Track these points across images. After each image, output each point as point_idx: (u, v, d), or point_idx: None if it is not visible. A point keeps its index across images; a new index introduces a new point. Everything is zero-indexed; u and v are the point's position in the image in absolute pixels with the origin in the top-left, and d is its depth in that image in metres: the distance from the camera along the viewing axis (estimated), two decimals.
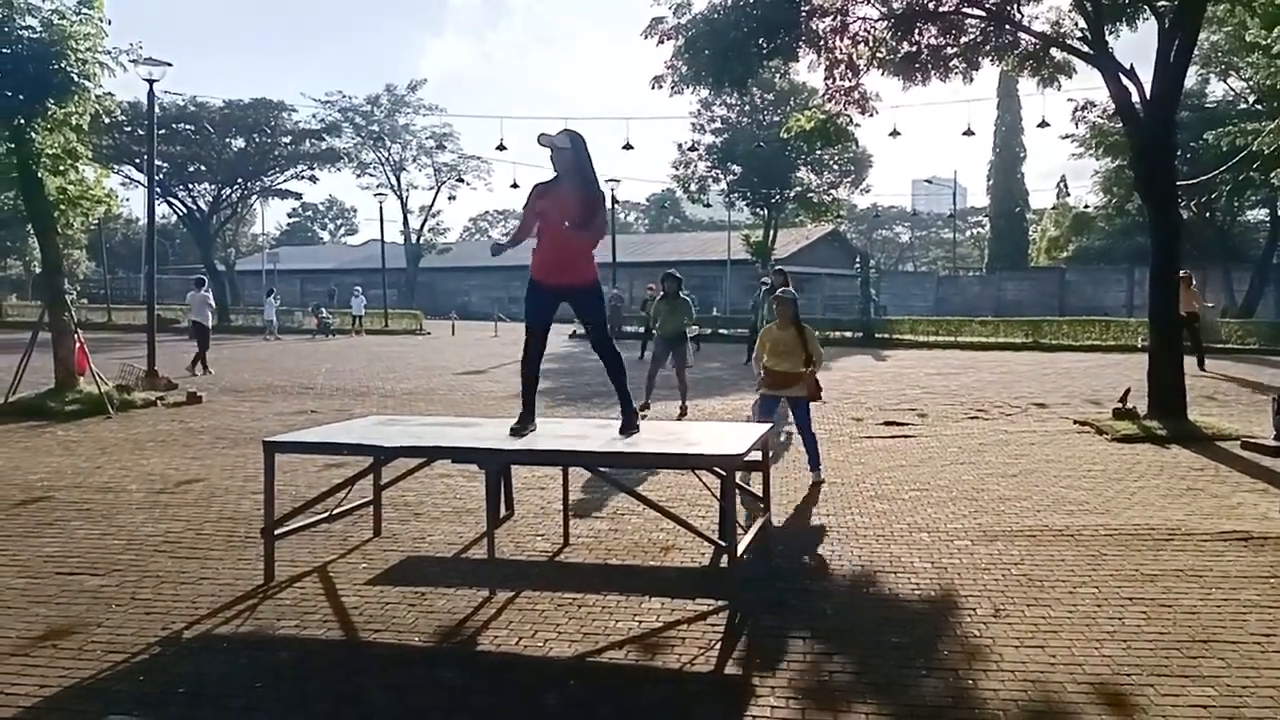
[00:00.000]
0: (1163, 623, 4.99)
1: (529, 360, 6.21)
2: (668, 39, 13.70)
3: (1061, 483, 8.52)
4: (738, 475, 5.66)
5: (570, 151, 5.90)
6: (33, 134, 13.38)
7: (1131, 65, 12.20)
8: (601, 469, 6.07)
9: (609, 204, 5.87)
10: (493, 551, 6.09)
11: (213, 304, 21.06)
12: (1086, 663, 4.48)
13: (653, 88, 14.33)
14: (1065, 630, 4.89)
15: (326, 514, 6.53)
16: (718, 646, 4.75)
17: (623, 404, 6.24)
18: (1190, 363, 17.85)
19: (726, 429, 7.01)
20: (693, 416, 12.85)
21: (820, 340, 8.86)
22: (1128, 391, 12.25)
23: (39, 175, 13.57)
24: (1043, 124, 34.33)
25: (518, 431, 5.96)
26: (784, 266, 18.61)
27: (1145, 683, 4.25)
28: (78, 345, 13.93)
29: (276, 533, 5.92)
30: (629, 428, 6.02)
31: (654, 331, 13.80)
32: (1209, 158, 28.42)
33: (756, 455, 6.12)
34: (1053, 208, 67.42)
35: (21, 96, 13.14)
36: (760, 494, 6.53)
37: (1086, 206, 53.99)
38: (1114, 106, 13.04)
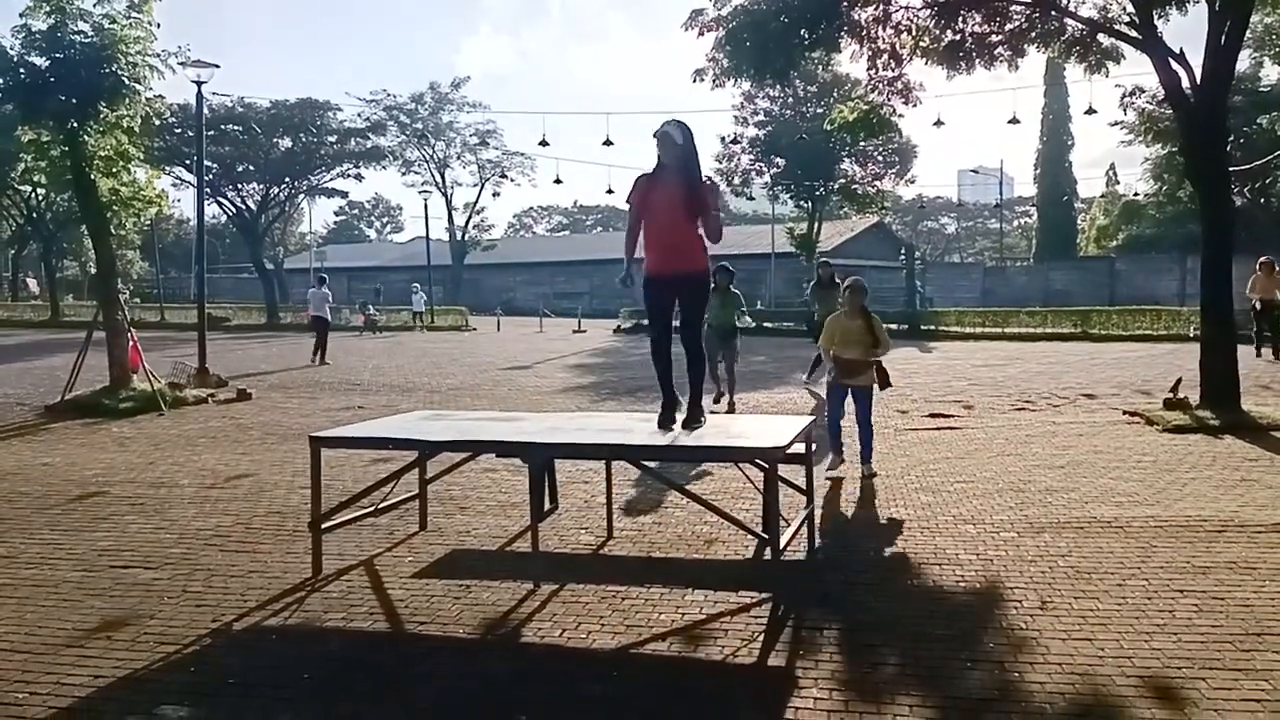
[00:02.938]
0: (1215, 616, 4.91)
1: (660, 354, 6.26)
2: (708, 31, 13.59)
3: (1110, 474, 8.39)
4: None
5: (684, 144, 5.89)
6: (85, 137, 13.65)
7: (1181, 49, 11.93)
8: (645, 462, 6.08)
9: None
10: (537, 545, 6.13)
11: (331, 300, 21.61)
12: (1136, 656, 4.41)
13: (694, 81, 14.21)
14: (1114, 623, 4.82)
15: (373, 508, 6.61)
16: (761, 639, 4.75)
17: (693, 398, 6.23)
18: (1258, 353, 17.57)
19: (770, 421, 6.99)
20: (739, 410, 12.79)
21: None
22: (1179, 381, 12.02)
23: (92, 177, 13.85)
24: (1090, 111, 33.88)
25: (664, 424, 6.04)
26: (829, 259, 18.62)
27: (1196, 676, 4.19)
28: (131, 344, 14.20)
29: (324, 526, 6.01)
30: (694, 421, 6.03)
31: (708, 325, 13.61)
32: (1263, 142, 27.94)
33: (799, 448, 6.10)
34: (1102, 196, 66.32)
35: (74, 100, 13.41)
36: (804, 486, 6.51)
37: (1136, 194, 53.08)
38: (1164, 92, 12.77)
